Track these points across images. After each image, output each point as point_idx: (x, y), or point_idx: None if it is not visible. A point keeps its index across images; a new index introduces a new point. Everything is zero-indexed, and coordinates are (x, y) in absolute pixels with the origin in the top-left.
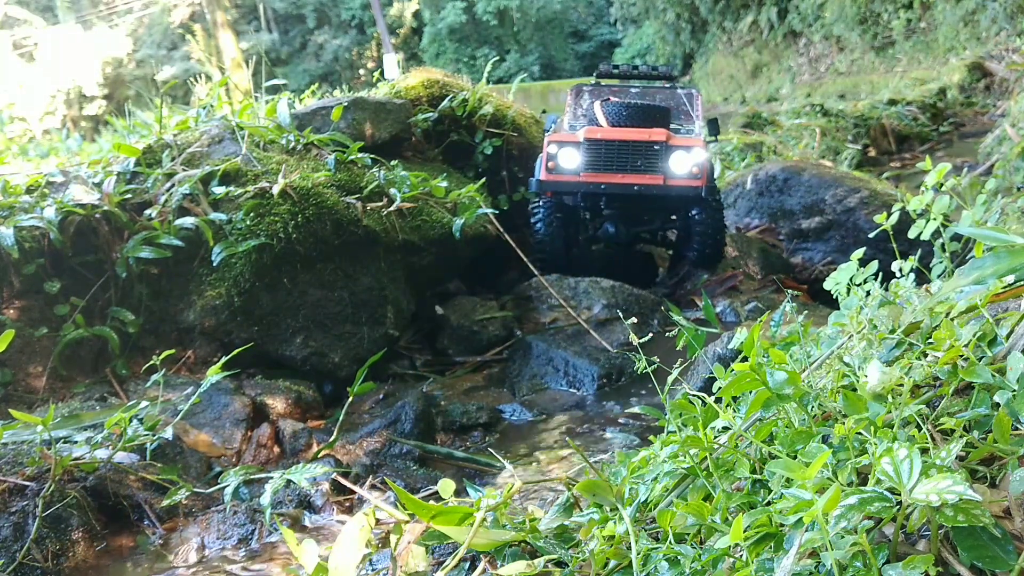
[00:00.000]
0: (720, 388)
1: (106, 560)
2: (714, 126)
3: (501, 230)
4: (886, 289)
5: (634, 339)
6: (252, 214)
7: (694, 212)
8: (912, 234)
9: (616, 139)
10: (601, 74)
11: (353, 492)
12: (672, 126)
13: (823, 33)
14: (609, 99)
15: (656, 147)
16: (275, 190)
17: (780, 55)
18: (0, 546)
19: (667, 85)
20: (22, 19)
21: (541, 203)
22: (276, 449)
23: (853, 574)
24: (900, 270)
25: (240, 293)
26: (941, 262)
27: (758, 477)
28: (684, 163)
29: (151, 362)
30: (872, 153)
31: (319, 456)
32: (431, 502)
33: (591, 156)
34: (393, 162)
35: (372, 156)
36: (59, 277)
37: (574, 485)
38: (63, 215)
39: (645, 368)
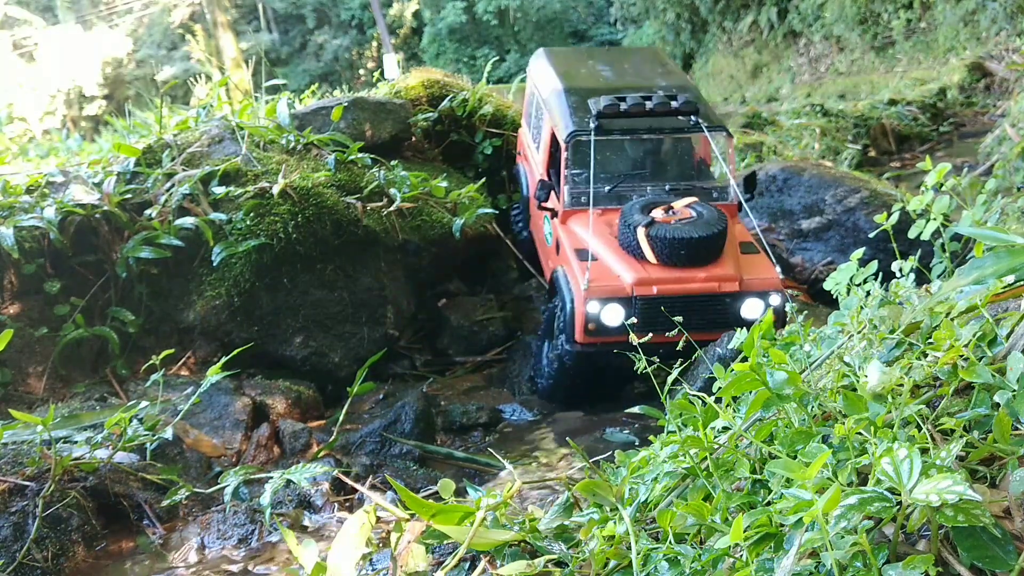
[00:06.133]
0: (720, 388)
1: (106, 560)
2: (751, 182)
3: (500, 233)
4: (886, 289)
5: (634, 339)
6: (252, 214)
7: None
8: (912, 234)
9: (679, 293)
10: (603, 114)
11: (353, 492)
12: (697, 185)
13: (823, 33)
14: (654, 220)
15: (728, 299)
16: (275, 190)
17: (780, 55)
18: (0, 546)
19: (690, 122)
20: (22, 19)
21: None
22: (276, 449)
23: (853, 574)
24: (900, 270)
25: (240, 293)
26: (941, 262)
27: (758, 477)
28: (758, 311)
29: (151, 362)
30: (872, 153)
31: (319, 456)
32: (431, 502)
33: (645, 314)
34: (393, 162)
35: (372, 156)
36: (59, 277)
37: (574, 485)
38: (63, 215)
39: (645, 368)
